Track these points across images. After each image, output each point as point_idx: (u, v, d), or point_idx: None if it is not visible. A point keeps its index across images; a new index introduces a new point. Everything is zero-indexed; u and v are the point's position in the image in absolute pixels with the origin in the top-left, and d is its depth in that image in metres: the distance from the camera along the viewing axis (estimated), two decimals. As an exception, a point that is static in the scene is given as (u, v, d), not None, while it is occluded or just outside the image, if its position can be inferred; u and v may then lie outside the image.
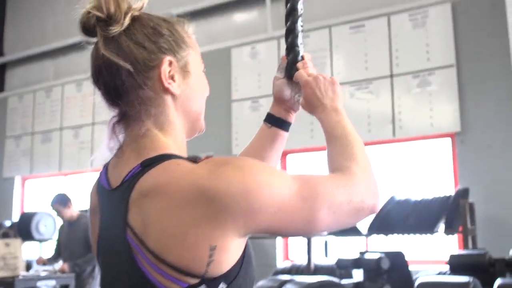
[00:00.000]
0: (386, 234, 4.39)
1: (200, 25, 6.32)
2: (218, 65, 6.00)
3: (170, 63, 1.05)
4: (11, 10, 8.28)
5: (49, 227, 6.22)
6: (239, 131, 5.75)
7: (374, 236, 4.49)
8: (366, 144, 5.14)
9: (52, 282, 4.79)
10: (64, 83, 7.20)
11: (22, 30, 8.02)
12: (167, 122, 1.06)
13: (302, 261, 4.87)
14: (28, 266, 5.59)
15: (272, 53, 5.67)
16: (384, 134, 5.07)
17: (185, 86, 1.08)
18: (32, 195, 7.47)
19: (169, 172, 0.95)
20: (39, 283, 4.76)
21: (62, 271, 4.89)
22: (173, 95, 1.07)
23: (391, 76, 5.09)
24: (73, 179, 7.12)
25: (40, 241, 6.35)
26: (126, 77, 1.03)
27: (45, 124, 7.24)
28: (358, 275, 4.21)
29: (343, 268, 4.24)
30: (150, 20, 1.07)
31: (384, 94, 5.11)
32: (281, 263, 5.24)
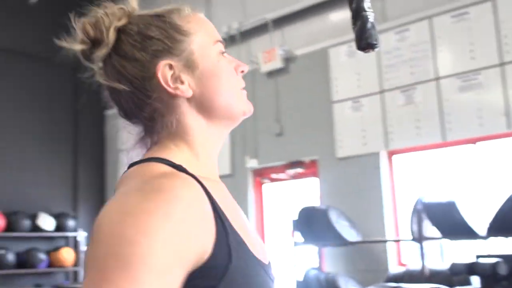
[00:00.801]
0: (507, 236, 4.08)
1: (297, 27, 6.25)
2: (316, 67, 5.89)
3: (170, 66, 0.93)
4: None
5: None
6: (342, 132, 5.61)
7: (493, 238, 4.18)
8: (478, 139, 4.82)
9: None
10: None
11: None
12: (182, 129, 0.95)
13: (415, 266, 4.65)
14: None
15: (370, 50, 5.45)
16: (497, 128, 4.72)
17: (196, 82, 0.95)
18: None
19: (130, 175, 0.87)
20: None
21: None
22: (186, 98, 0.95)
23: (502, 64, 4.72)
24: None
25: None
26: (129, 98, 0.94)
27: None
28: (476, 281, 3.95)
29: (456, 273, 3.99)
30: (136, 24, 0.95)
31: (494, 85, 4.75)
32: (393, 268, 5.04)
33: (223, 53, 1.00)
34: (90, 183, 8.06)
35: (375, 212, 5.20)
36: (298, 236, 4.98)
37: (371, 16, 1.04)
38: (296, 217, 4.97)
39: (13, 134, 7.33)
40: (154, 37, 0.94)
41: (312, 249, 5.23)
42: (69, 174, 7.91)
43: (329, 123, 5.70)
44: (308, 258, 5.31)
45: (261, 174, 6.25)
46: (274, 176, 6.18)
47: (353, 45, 5.14)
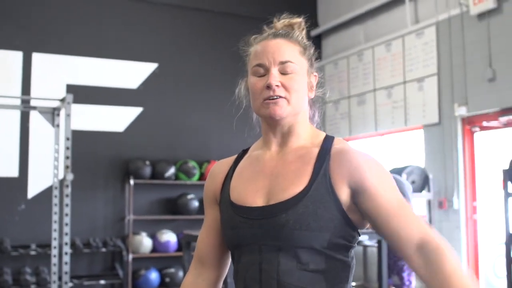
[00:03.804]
0: None
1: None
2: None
3: (241, 82, 1.44)
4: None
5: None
6: None
7: None
8: None
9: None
10: (374, 45, 7.31)
11: (332, 1, 8.41)
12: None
13: None
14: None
15: None
16: None
17: (246, 92, 1.42)
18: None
19: None
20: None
21: None
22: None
23: None
24: (388, 139, 7.15)
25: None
26: None
27: (359, 87, 7.51)
28: None
29: None
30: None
31: None
32: None
33: (256, 73, 1.33)
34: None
35: None
36: (511, 187, 4.70)
37: None
38: (508, 167, 4.68)
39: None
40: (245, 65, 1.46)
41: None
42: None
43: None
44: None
45: (471, 122, 5.94)
46: (485, 124, 5.84)
47: None
